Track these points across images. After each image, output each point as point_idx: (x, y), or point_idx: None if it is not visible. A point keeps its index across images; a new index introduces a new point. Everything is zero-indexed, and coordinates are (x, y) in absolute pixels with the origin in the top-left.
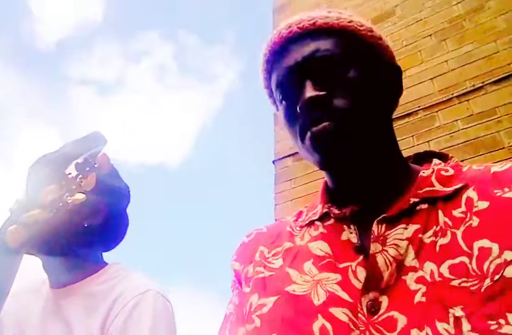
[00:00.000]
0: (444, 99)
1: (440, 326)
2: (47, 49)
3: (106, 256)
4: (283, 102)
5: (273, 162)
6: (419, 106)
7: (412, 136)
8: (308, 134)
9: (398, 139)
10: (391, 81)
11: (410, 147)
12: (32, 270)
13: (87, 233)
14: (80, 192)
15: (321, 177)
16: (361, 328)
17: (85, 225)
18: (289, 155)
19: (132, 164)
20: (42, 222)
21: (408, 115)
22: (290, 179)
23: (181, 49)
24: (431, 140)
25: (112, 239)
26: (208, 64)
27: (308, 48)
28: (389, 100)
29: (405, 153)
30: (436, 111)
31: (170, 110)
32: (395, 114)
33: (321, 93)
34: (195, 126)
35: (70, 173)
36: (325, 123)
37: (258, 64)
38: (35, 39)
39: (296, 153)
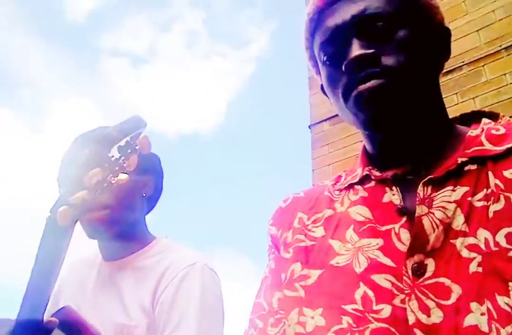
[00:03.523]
0: (491, 52)
1: (501, 300)
2: (77, 21)
3: (153, 229)
4: (327, 62)
5: (309, 127)
6: (463, 61)
7: (456, 93)
8: (354, 92)
9: None
10: (440, 43)
11: (454, 105)
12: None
13: (143, 204)
14: (123, 173)
15: (358, 141)
16: (406, 291)
17: (143, 195)
18: (325, 120)
19: (168, 134)
20: (92, 201)
21: (451, 71)
22: (327, 144)
23: (211, 14)
24: (476, 97)
25: (152, 208)
26: (240, 29)
27: (357, 6)
28: (437, 61)
29: (448, 112)
30: (482, 66)
31: (202, 77)
32: None
33: (370, 51)
34: (227, 92)
35: (113, 156)
36: (374, 80)
37: (302, 23)
38: (65, 11)
39: (332, 117)
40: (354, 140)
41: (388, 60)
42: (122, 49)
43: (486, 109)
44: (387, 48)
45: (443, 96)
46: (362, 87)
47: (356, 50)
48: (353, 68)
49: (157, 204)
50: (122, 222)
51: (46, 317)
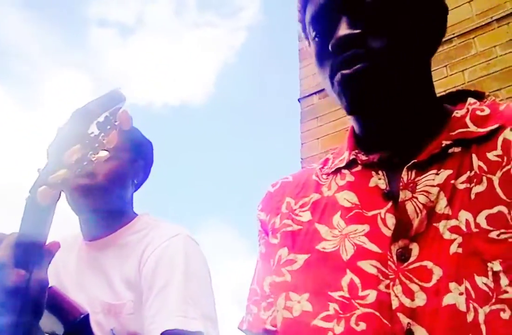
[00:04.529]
0: (482, 23)
1: (479, 280)
2: None
3: (138, 205)
4: (316, 38)
5: (299, 100)
6: (453, 33)
7: (445, 66)
8: (338, 76)
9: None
10: (435, 23)
11: (443, 78)
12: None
13: (133, 187)
14: (103, 150)
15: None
16: (390, 277)
17: (135, 181)
18: (315, 93)
19: (156, 105)
20: (70, 180)
21: (441, 44)
22: (316, 117)
23: None
24: (465, 69)
25: (137, 189)
26: None
27: None
28: (431, 41)
29: (437, 85)
30: (473, 38)
31: (191, 47)
32: None
33: (356, 31)
34: (217, 62)
35: (92, 132)
36: (358, 66)
37: None
38: None
39: (322, 90)
40: (343, 113)
41: (374, 42)
42: (110, 20)
43: (475, 82)
44: (375, 28)
45: (433, 69)
46: (345, 71)
47: (343, 29)
48: (338, 49)
49: (141, 186)
50: (110, 198)
51: None
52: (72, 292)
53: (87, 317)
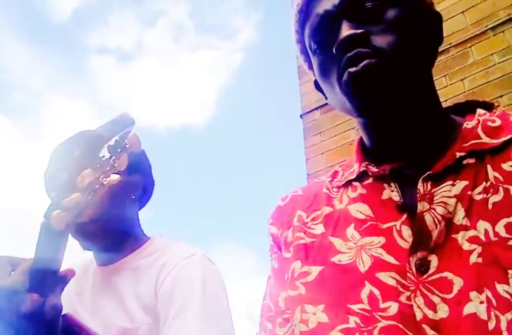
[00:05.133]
0: (478, 32)
1: (500, 288)
2: (62, 21)
3: (149, 224)
4: (318, 50)
5: (301, 116)
6: (450, 44)
7: (445, 76)
8: (345, 75)
9: None
10: (431, 27)
11: (443, 88)
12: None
13: (133, 204)
14: (114, 173)
15: (350, 128)
16: (411, 288)
17: (133, 197)
18: (316, 108)
19: (159, 129)
20: (83, 204)
21: (439, 54)
22: (319, 132)
23: (196, 7)
24: (464, 78)
25: (142, 207)
26: (225, 20)
27: None
28: (429, 47)
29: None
30: (469, 47)
31: (191, 70)
32: None
33: (359, 31)
34: (217, 84)
35: (103, 156)
36: (365, 62)
37: (288, 11)
38: (49, 12)
39: (324, 105)
40: (346, 127)
41: (378, 40)
42: (109, 46)
43: (476, 90)
44: (377, 28)
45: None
46: (352, 69)
47: (345, 31)
48: (343, 49)
49: (147, 203)
50: (113, 231)
51: None
52: (86, 318)
53: None
